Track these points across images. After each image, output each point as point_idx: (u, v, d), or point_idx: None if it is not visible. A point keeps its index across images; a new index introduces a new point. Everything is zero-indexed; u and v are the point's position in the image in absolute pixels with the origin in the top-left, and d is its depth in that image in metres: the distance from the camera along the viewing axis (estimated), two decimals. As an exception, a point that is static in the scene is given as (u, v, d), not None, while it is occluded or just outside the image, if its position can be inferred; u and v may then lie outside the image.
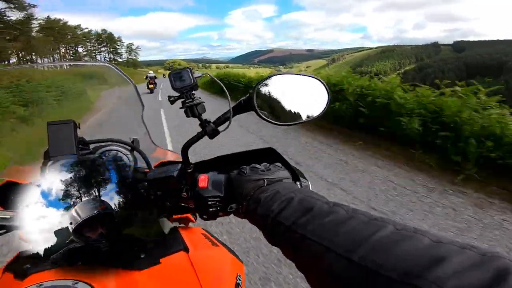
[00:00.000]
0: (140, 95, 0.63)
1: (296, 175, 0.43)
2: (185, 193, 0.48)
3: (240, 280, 0.47)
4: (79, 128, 0.55)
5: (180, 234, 0.52)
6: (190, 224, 0.68)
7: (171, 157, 0.69)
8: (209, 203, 0.44)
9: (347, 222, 0.26)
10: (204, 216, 0.47)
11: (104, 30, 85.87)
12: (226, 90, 0.47)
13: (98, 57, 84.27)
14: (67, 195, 0.42)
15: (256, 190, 0.39)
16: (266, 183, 0.40)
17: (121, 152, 0.59)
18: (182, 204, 0.52)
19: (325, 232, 0.26)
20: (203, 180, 0.45)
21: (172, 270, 0.44)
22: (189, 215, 0.67)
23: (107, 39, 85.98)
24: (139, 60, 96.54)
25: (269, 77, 0.44)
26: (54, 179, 0.43)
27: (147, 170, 0.62)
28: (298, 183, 0.42)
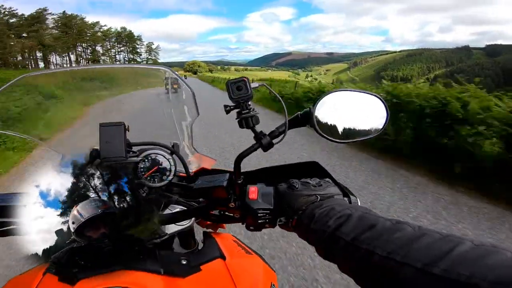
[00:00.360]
0: (197, 103, 0.66)
1: (344, 191, 0.45)
2: (233, 203, 0.50)
3: None
4: (128, 131, 0.59)
5: (215, 240, 0.54)
6: (220, 230, 0.70)
7: (207, 162, 0.73)
8: (259, 215, 0.46)
9: (420, 238, 0.27)
10: (251, 228, 0.49)
11: (123, 28, 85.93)
12: (282, 102, 0.49)
13: (117, 57, 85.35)
14: (83, 194, 0.44)
15: (308, 205, 0.41)
16: (319, 199, 0.42)
17: (163, 157, 0.62)
18: (227, 213, 0.54)
19: (397, 247, 0.27)
20: (253, 192, 0.47)
21: (212, 277, 0.46)
22: None
23: (127, 38, 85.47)
24: (159, 60, 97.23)
25: (328, 93, 0.47)
26: (72, 178, 0.45)
27: (184, 174, 0.65)
28: (347, 199, 0.44)
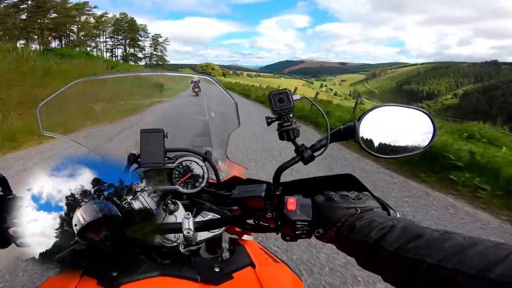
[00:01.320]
0: (239, 113, 0.72)
1: (383, 205, 0.48)
2: (270, 214, 0.53)
3: None
4: (167, 138, 0.66)
5: (244, 248, 0.59)
6: (245, 236, 0.75)
7: (237, 170, 0.79)
8: (297, 226, 0.50)
9: (473, 246, 0.29)
10: (287, 238, 0.53)
11: (124, 14, 67.59)
12: (325, 115, 0.54)
13: (116, 51, 68.75)
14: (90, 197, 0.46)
15: (348, 217, 0.45)
16: (359, 211, 0.45)
17: (197, 164, 0.69)
18: (261, 222, 0.58)
19: (449, 255, 0.29)
20: (292, 203, 0.51)
21: (243, 285, 0.50)
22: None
23: (128, 25, 67.04)
24: (166, 57, 79.55)
25: (374, 108, 0.52)
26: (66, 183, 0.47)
27: (214, 181, 0.71)
28: (385, 212, 0.47)
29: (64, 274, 0.47)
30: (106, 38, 67.93)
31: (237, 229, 0.72)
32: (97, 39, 64.30)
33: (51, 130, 0.72)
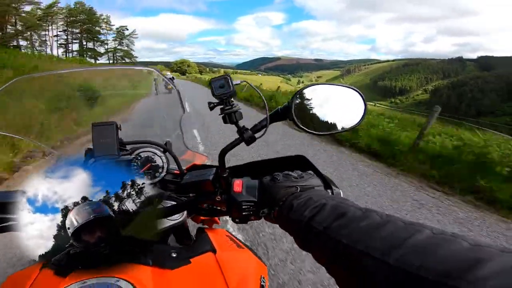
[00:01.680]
0: (182, 100, 0.75)
1: (327, 183, 0.51)
2: (219, 197, 0.56)
3: (264, 282, 0.55)
4: (120, 130, 0.66)
5: (207, 235, 0.61)
6: (214, 225, 0.78)
7: (199, 159, 0.81)
8: (243, 207, 0.51)
9: (383, 226, 0.30)
10: (236, 220, 0.54)
11: (80, 4, 56.97)
12: (264, 98, 0.57)
13: (72, 46, 57.95)
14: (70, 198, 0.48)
15: (289, 196, 0.46)
16: (299, 190, 0.47)
17: (156, 154, 0.71)
18: (214, 207, 0.60)
19: (361, 236, 0.30)
20: (238, 185, 0.53)
21: (201, 270, 0.51)
22: (215, 217, 0.78)
23: (85, 16, 57.04)
24: (134, 54, 67.03)
25: (306, 87, 0.54)
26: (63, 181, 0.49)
27: (178, 172, 0.72)
28: (329, 191, 0.50)
29: (26, 269, 0.48)
30: (59, 31, 56.57)
31: (202, 218, 0.75)
32: (45, 33, 52.72)
33: None
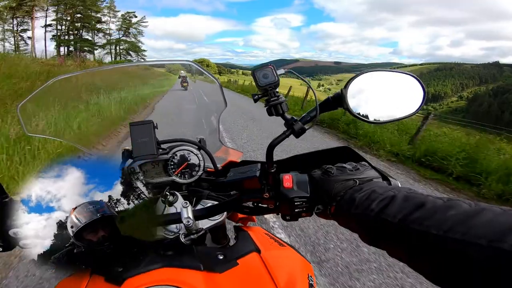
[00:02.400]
0: (224, 94, 0.77)
1: (383, 175, 0.50)
2: (267, 193, 0.56)
3: (312, 280, 0.56)
4: (157, 128, 0.70)
5: (248, 234, 0.62)
6: (250, 223, 0.80)
7: (234, 155, 0.83)
8: (295, 203, 0.52)
9: (479, 214, 0.29)
10: (287, 217, 0.56)
11: None
12: (311, 87, 0.60)
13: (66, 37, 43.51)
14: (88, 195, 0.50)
15: (347, 190, 0.46)
16: (358, 183, 0.47)
17: (192, 152, 0.74)
18: (260, 204, 0.61)
19: (455, 225, 0.29)
20: (288, 180, 0.53)
21: (248, 271, 0.53)
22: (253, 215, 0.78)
23: None
24: (142, 48, 53.08)
25: (360, 73, 0.54)
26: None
27: (212, 169, 0.75)
28: (385, 182, 0.49)
29: (75, 275, 0.51)
30: (51, 20, 42.84)
31: (240, 215, 0.76)
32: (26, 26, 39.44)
33: (35, 130, 0.75)
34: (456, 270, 0.28)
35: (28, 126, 0.73)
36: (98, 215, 0.48)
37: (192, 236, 0.54)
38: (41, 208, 0.48)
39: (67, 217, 0.48)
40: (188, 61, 0.85)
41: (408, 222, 0.33)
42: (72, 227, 0.47)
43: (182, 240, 0.53)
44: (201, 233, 0.55)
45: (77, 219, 0.48)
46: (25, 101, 0.71)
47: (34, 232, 0.48)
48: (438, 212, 0.32)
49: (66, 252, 0.47)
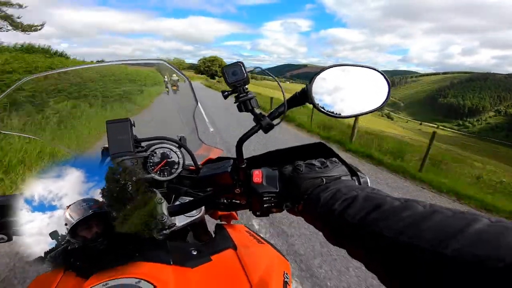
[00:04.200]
0: (194, 91, 0.88)
1: (353, 170, 0.59)
2: (238, 189, 0.65)
3: (287, 278, 0.63)
4: (134, 126, 0.80)
5: (226, 231, 0.72)
6: (233, 221, 0.91)
7: (214, 153, 0.95)
8: (264, 198, 0.60)
9: (430, 216, 0.34)
10: (257, 213, 0.64)
11: None
12: (280, 85, 0.67)
13: None
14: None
15: (314, 188, 0.54)
16: (324, 182, 0.54)
17: (171, 150, 0.85)
18: (234, 200, 0.71)
19: (405, 227, 0.34)
20: (258, 175, 0.62)
21: (222, 267, 0.61)
22: (233, 213, 0.91)
23: None
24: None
25: (325, 68, 0.63)
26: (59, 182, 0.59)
27: (193, 167, 0.86)
28: (355, 178, 0.58)
29: (49, 272, 0.59)
30: None
31: (220, 212, 0.87)
32: None
33: (8, 128, 0.87)
34: (404, 274, 0.33)
35: (0, 123, 0.83)
36: (90, 211, 0.57)
37: (164, 232, 0.61)
38: (34, 207, 0.57)
39: (59, 218, 0.56)
40: (161, 60, 0.97)
41: (365, 222, 0.39)
42: (66, 224, 0.56)
43: (155, 235, 0.60)
44: (173, 228, 0.62)
45: (70, 216, 0.56)
46: None
47: (30, 230, 0.56)
48: (393, 214, 0.37)
49: (62, 249, 0.56)
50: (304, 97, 0.63)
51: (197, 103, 0.90)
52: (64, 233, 0.56)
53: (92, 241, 0.57)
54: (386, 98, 0.62)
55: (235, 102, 0.64)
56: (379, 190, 0.46)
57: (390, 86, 0.62)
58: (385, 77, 0.62)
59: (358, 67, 0.64)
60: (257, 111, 0.64)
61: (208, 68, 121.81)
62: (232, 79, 0.62)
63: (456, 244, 0.29)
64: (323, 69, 0.63)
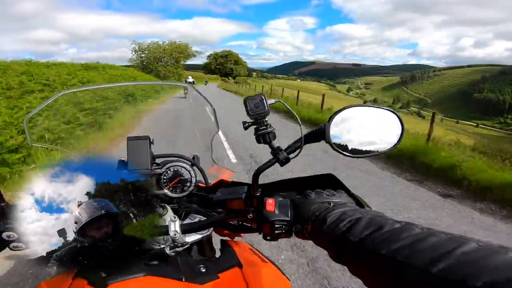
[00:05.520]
0: (217, 119, 1.04)
1: (359, 202, 0.71)
2: (251, 215, 0.78)
3: None
4: (153, 144, 0.96)
5: (232, 249, 0.85)
6: (237, 238, 1.04)
7: (225, 174, 1.11)
8: (275, 226, 0.72)
9: (425, 238, 0.41)
10: (268, 238, 0.76)
11: None
12: (298, 119, 0.80)
13: None
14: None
15: (322, 211, 0.64)
16: (331, 205, 0.65)
17: (185, 168, 1.00)
18: (244, 223, 0.85)
19: (402, 247, 0.42)
20: (271, 204, 0.74)
21: (229, 285, 0.73)
22: None
23: None
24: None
25: (343, 109, 0.76)
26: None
27: (203, 185, 1.03)
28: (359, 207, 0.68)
29: (58, 276, 0.68)
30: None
31: (226, 231, 0.99)
32: None
33: (38, 141, 1.05)
34: None
35: (32, 136, 0.97)
36: (102, 211, 0.65)
37: (177, 249, 0.74)
38: (42, 207, 0.64)
39: (68, 216, 0.64)
40: (187, 83, 1.14)
41: (366, 242, 0.48)
42: (76, 222, 0.64)
43: (168, 252, 0.73)
44: (186, 246, 0.75)
45: (81, 215, 0.64)
46: (31, 114, 0.97)
47: (35, 231, 0.63)
48: (393, 234, 0.45)
49: (68, 249, 0.64)
50: (321, 134, 0.75)
51: (218, 130, 1.06)
52: (73, 231, 0.64)
53: (101, 241, 0.65)
54: (399, 140, 0.74)
55: (254, 134, 0.76)
56: (384, 214, 0.55)
57: (403, 129, 0.74)
58: (399, 119, 0.75)
59: (374, 108, 0.77)
60: (274, 144, 0.77)
61: (221, 66, 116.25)
62: (254, 111, 0.75)
63: (443, 264, 0.35)
64: (340, 109, 0.75)
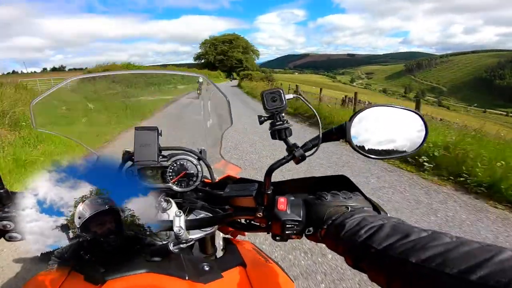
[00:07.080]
0: (231, 112, 1.10)
1: (374, 205, 0.76)
2: (260, 213, 0.83)
3: None
4: (161, 136, 1.04)
5: (236, 248, 0.92)
6: (239, 236, 1.11)
7: (232, 169, 1.19)
8: (287, 225, 0.78)
9: (458, 247, 0.45)
10: (277, 238, 0.82)
11: None
12: (317, 115, 0.83)
13: None
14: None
15: (339, 215, 0.68)
16: (349, 210, 0.71)
17: (191, 162, 1.07)
18: (252, 222, 0.91)
19: (433, 256, 0.45)
20: (283, 203, 0.80)
21: (232, 284, 0.79)
22: None
23: None
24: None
25: (365, 108, 0.81)
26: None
27: (209, 180, 1.10)
28: (376, 212, 0.72)
29: (53, 270, 0.72)
30: None
31: (231, 229, 1.06)
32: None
33: (43, 126, 1.10)
34: None
35: (37, 122, 1.05)
36: (106, 206, 0.70)
37: (181, 245, 0.78)
38: (43, 203, 0.69)
39: (70, 212, 0.68)
40: (202, 75, 1.24)
41: (392, 249, 0.51)
42: (79, 217, 0.69)
43: (171, 248, 0.76)
44: (190, 243, 0.80)
45: (85, 210, 0.69)
46: (39, 99, 1.04)
47: (37, 226, 0.67)
48: (421, 243, 0.49)
49: (70, 245, 0.68)
50: (341, 133, 0.79)
51: (232, 124, 1.12)
52: (72, 231, 0.68)
53: (104, 236, 0.70)
54: (423, 140, 0.81)
55: (269, 129, 0.81)
56: (405, 221, 0.60)
57: (427, 128, 0.81)
58: (423, 121, 0.81)
59: (397, 108, 0.83)
60: (290, 141, 0.81)
61: (224, 56, 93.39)
62: (271, 105, 0.78)
63: (482, 271, 0.39)
64: (363, 108, 0.80)
